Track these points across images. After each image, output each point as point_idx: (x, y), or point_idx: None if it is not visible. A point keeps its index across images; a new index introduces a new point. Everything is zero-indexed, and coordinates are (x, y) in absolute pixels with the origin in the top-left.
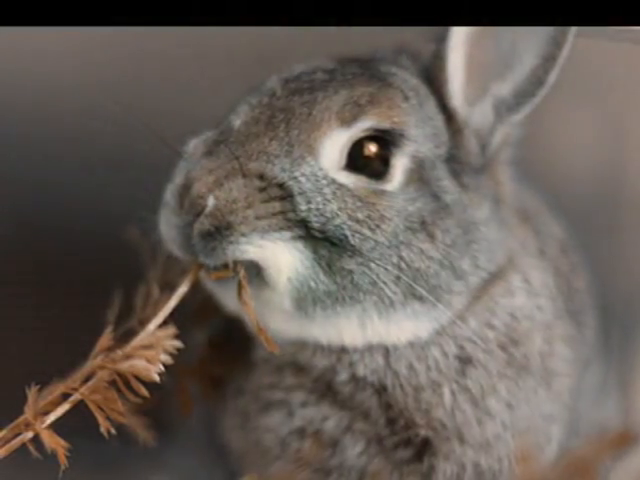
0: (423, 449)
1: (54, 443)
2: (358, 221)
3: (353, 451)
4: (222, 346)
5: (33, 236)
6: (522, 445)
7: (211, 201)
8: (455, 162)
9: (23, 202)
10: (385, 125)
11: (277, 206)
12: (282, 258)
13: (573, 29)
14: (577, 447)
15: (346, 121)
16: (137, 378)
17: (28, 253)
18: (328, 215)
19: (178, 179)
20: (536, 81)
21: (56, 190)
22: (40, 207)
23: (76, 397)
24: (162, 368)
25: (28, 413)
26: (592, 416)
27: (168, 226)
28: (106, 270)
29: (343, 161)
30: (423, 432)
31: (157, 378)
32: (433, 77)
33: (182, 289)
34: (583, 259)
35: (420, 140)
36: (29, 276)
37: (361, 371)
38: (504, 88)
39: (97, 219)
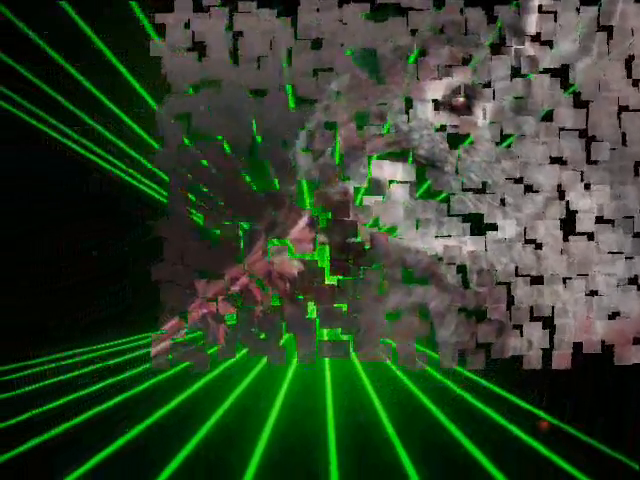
0: (500, 330)
1: (226, 310)
2: (457, 146)
3: (448, 329)
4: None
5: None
6: (581, 318)
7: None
8: (524, 108)
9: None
10: (469, 80)
11: (393, 136)
12: (396, 179)
13: (620, 1)
14: (626, 319)
15: (440, 77)
16: (282, 273)
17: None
18: (436, 141)
19: (308, 124)
20: (583, 48)
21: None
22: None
23: (242, 280)
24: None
25: (200, 298)
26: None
27: (299, 163)
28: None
29: (440, 106)
30: (503, 317)
31: (296, 273)
32: (510, 37)
33: (310, 208)
34: (624, 181)
35: (496, 91)
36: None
37: (456, 264)
38: (564, 47)
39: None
